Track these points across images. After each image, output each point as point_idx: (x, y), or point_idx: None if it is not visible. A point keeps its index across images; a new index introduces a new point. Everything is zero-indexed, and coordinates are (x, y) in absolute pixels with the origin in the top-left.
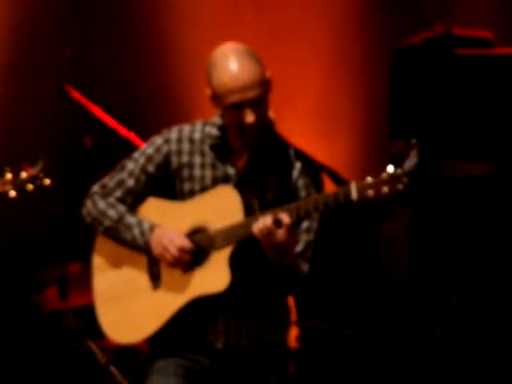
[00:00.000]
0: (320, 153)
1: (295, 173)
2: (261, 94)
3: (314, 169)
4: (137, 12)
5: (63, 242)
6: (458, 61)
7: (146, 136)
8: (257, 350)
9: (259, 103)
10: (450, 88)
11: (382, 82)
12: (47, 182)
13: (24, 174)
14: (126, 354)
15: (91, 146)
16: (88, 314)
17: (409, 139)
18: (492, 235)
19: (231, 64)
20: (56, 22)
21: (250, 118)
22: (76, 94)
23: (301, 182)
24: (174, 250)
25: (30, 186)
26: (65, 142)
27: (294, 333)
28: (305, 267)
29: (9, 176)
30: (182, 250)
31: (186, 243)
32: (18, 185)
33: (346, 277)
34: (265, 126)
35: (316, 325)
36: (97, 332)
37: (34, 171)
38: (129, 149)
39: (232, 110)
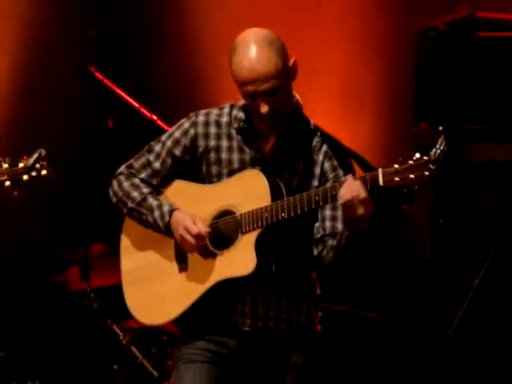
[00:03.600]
0: (344, 134)
1: (321, 156)
2: (275, 85)
3: (340, 152)
4: None
5: (85, 223)
6: (481, 43)
7: (168, 117)
8: (284, 333)
9: (274, 93)
10: (473, 71)
11: (407, 64)
12: (43, 172)
13: (21, 165)
14: (148, 336)
15: (114, 126)
16: (110, 294)
17: (432, 121)
18: None
19: (248, 53)
20: (79, 3)
21: (263, 108)
22: (99, 75)
23: (327, 165)
24: (190, 239)
25: (25, 177)
26: (88, 123)
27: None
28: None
29: (5, 166)
30: (198, 236)
31: (202, 229)
32: (14, 175)
33: (366, 260)
34: (285, 112)
35: (336, 307)
36: (119, 313)
37: (28, 162)
38: (151, 129)
39: (248, 99)
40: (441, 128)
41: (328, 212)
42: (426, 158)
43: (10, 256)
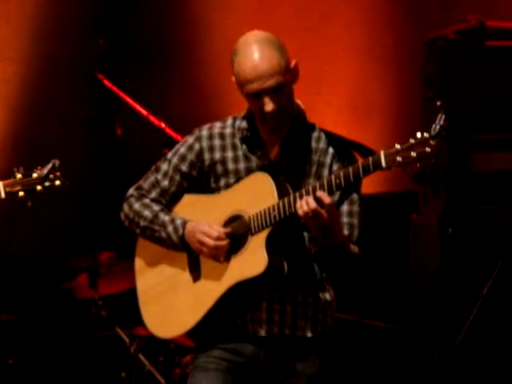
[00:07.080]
0: None
1: (329, 158)
2: (279, 82)
3: (347, 153)
4: (170, 1)
5: (94, 230)
6: (490, 52)
7: (177, 125)
8: (299, 341)
9: (278, 91)
10: (482, 80)
11: (415, 75)
12: (57, 183)
13: (34, 175)
14: (156, 344)
15: (122, 134)
16: (118, 302)
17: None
18: None
19: (251, 53)
20: (89, 12)
21: (268, 106)
22: (108, 83)
23: (336, 167)
24: (209, 242)
25: (39, 187)
26: (96, 130)
27: None
28: (355, 249)
29: (19, 176)
30: (218, 238)
31: (221, 230)
32: (27, 185)
33: (375, 269)
34: (289, 112)
35: (345, 316)
36: (127, 321)
37: (42, 173)
38: (159, 137)
39: (252, 99)
40: (438, 103)
41: (345, 219)
42: (426, 134)
43: (19, 264)
